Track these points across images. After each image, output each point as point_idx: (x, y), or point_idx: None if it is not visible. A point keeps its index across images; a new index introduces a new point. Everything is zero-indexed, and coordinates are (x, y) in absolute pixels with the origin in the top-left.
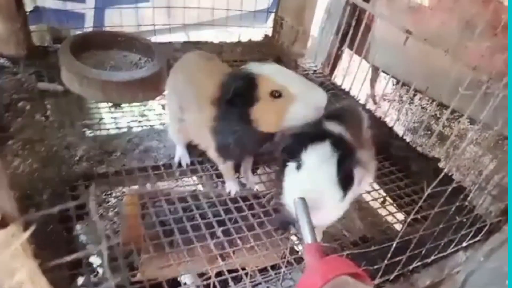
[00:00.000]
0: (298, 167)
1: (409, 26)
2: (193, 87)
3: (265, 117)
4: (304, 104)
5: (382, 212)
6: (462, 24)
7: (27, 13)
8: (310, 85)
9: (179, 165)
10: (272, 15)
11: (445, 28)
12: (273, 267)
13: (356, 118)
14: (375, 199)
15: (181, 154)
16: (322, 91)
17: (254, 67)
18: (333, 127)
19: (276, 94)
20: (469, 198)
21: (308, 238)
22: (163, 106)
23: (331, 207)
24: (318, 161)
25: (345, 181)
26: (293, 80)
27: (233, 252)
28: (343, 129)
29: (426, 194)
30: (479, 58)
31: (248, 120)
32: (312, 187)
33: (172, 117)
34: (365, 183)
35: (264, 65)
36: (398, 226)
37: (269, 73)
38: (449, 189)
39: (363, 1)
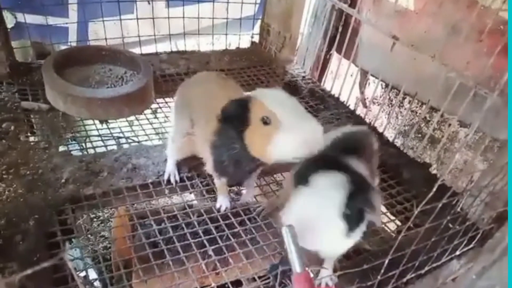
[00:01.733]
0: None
1: (395, 31)
2: (206, 100)
3: (254, 142)
4: (290, 135)
5: None
6: (447, 29)
7: (9, 30)
8: (302, 115)
9: (168, 182)
10: (259, 22)
11: (431, 32)
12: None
13: (369, 147)
14: None
15: (171, 170)
16: (316, 123)
17: (258, 92)
18: (352, 162)
19: (266, 120)
20: (461, 205)
21: (296, 267)
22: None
23: (329, 235)
24: (326, 184)
25: (354, 218)
26: (284, 107)
27: (225, 271)
28: (363, 166)
29: (418, 209)
30: (465, 63)
31: (242, 142)
32: (312, 208)
33: (178, 131)
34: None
35: (267, 91)
36: (391, 233)
37: (263, 98)
38: (444, 199)
39: (349, 6)
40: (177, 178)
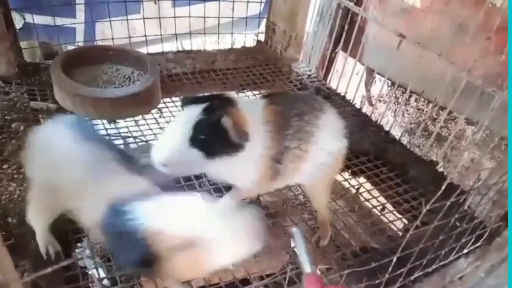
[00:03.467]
0: None
1: (402, 29)
2: None
3: (177, 270)
4: (225, 248)
5: (384, 218)
6: (454, 27)
7: (17, 30)
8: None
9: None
10: (264, 21)
11: (438, 30)
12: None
13: None
14: (374, 207)
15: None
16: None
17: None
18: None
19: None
20: (468, 203)
21: (306, 267)
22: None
23: None
24: None
25: None
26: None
27: (233, 269)
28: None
29: (426, 208)
30: (472, 61)
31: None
32: None
33: None
34: None
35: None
36: (398, 231)
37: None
38: (453, 197)
39: (354, 4)
40: None
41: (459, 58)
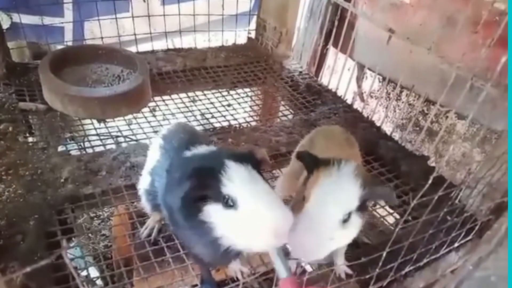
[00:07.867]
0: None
1: (391, 24)
2: None
3: None
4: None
5: (375, 213)
6: (443, 21)
7: (4, 31)
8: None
9: None
10: (255, 18)
11: (427, 25)
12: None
13: None
14: None
15: None
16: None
17: None
18: None
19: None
20: (459, 197)
21: (281, 273)
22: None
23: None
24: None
25: None
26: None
27: (226, 267)
28: None
29: (414, 202)
30: (461, 54)
31: None
32: None
33: None
34: None
35: None
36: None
37: None
38: (440, 190)
39: (344, 0)
40: None
41: (448, 52)
